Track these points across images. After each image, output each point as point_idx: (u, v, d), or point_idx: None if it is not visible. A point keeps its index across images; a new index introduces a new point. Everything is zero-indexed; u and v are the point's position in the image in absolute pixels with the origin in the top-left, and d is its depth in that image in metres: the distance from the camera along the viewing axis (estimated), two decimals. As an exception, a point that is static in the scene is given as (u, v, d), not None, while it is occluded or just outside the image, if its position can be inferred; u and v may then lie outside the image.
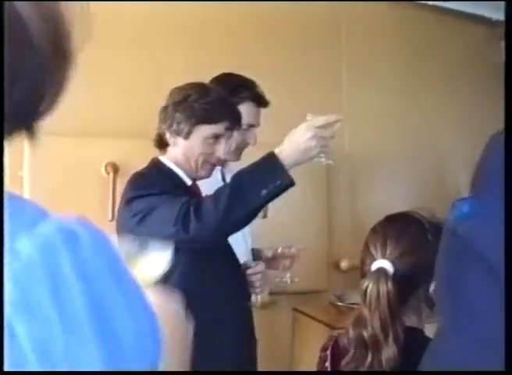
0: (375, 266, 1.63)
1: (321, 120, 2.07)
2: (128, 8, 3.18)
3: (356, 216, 3.82)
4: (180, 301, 0.88)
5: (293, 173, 3.47)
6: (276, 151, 2.05)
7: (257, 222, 2.97)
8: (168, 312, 0.81)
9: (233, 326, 2.26)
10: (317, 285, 3.55)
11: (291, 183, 2.04)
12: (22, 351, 0.48)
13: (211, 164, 2.30)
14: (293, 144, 2.04)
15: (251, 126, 2.62)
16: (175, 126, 2.24)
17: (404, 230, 1.72)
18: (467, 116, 4.14)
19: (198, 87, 2.28)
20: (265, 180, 2.02)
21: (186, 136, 2.25)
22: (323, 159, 2.13)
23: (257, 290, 2.47)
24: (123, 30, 3.28)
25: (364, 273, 1.69)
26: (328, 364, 1.75)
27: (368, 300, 1.59)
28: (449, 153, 4.14)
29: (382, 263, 1.62)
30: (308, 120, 2.09)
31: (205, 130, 2.24)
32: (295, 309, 3.26)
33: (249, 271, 2.42)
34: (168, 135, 2.27)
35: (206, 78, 2.61)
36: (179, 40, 3.40)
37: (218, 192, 2.05)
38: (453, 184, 3.91)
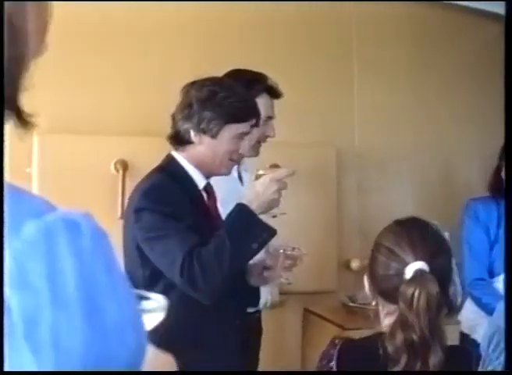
0: (411, 269, 1.59)
1: (282, 173, 2.21)
2: (136, 8, 3.18)
3: (366, 216, 3.81)
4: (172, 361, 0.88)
5: (303, 172, 3.49)
6: (246, 202, 2.15)
7: (268, 221, 2.97)
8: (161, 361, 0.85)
9: (217, 347, 2.23)
10: (327, 285, 3.53)
11: (274, 233, 2.15)
12: (13, 323, 0.52)
13: (233, 161, 2.29)
14: (260, 197, 2.16)
15: (269, 118, 2.63)
16: (204, 125, 2.19)
17: (427, 231, 1.70)
18: (478, 115, 4.12)
19: (222, 84, 2.25)
20: (253, 234, 2.12)
21: (215, 135, 2.20)
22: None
23: (284, 276, 2.44)
24: (131, 28, 3.28)
25: (382, 277, 1.66)
26: None
27: (415, 305, 1.55)
28: (458, 152, 4.12)
29: (420, 265, 1.59)
30: (261, 174, 2.22)
31: (234, 129, 2.22)
32: (306, 310, 3.24)
33: (288, 253, 2.40)
34: (193, 133, 2.21)
35: (213, 75, 2.61)
36: (187, 38, 3.39)
37: (220, 247, 2.06)
38: (461, 183, 3.90)
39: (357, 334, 1.86)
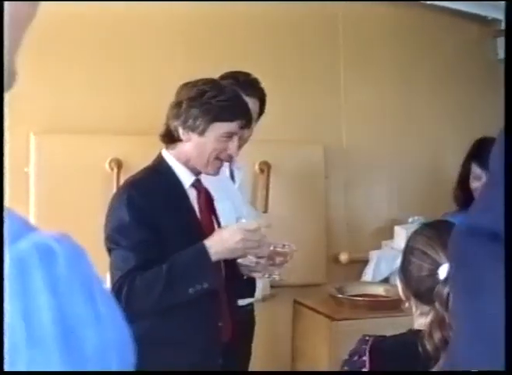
0: (444, 269, 1.60)
1: (252, 225, 2.22)
2: (131, 8, 3.23)
3: (353, 212, 3.89)
4: None
5: (293, 168, 3.57)
6: (207, 244, 2.16)
7: (258, 216, 3.05)
8: None
9: (197, 345, 2.25)
10: (316, 278, 3.60)
11: (215, 288, 2.18)
12: None
13: (220, 160, 2.31)
14: (222, 242, 2.17)
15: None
16: (190, 122, 2.23)
17: None
18: (462, 112, 4.19)
19: (213, 84, 2.29)
20: (194, 279, 2.14)
21: (201, 132, 2.24)
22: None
23: (276, 273, 2.46)
24: (127, 29, 3.33)
25: (416, 279, 1.68)
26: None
27: (450, 304, 1.54)
28: (444, 150, 4.20)
29: None
30: (240, 223, 2.26)
31: (220, 128, 2.24)
32: (296, 301, 3.32)
33: (278, 249, 2.40)
34: (181, 131, 2.25)
35: (207, 76, 2.68)
36: (180, 39, 3.46)
37: (154, 278, 2.10)
38: (447, 181, 3.97)
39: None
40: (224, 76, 2.63)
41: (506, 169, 0.82)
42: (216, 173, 2.35)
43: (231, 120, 2.25)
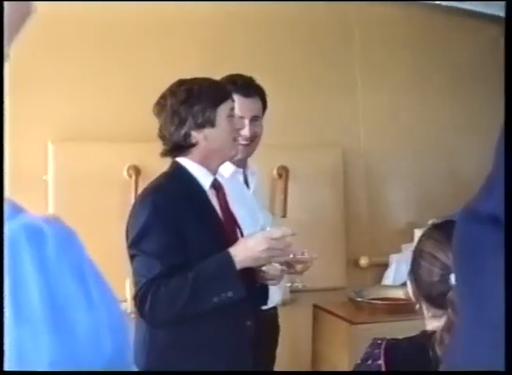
0: None
1: (277, 233, 2.19)
2: (144, 17, 3.27)
3: (373, 214, 3.88)
4: None
5: (311, 172, 3.57)
6: (232, 253, 2.14)
7: (277, 221, 3.05)
8: None
9: (225, 345, 2.24)
10: (336, 282, 3.60)
11: (242, 296, 2.15)
12: None
13: (236, 140, 2.35)
14: (247, 251, 2.16)
15: (257, 118, 2.70)
16: (200, 118, 2.23)
17: None
18: (481, 115, 4.17)
19: (186, 81, 2.30)
20: (219, 288, 2.13)
21: (213, 123, 2.24)
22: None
23: (298, 280, 2.47)
24: (142, 37, 3.37)
25: (427, 283, 1.65)
26: None
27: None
28: (461, 152, 4.18)
29: None
30: (265, 231, 2.24)
31: (226, 107, 2.27)
32: (315, 306, 3.31)
33: (298, 257, 2.37)
34: (194, 133, 2.24)
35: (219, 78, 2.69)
36: (194, 44, 3.48)
37: (180, 287, 2.10)
38: (464, 182, 3.95)
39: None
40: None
41: (507, 170, 0.81)
42: (237, 153, 2.40)
43: (228, 97, 2.30)
